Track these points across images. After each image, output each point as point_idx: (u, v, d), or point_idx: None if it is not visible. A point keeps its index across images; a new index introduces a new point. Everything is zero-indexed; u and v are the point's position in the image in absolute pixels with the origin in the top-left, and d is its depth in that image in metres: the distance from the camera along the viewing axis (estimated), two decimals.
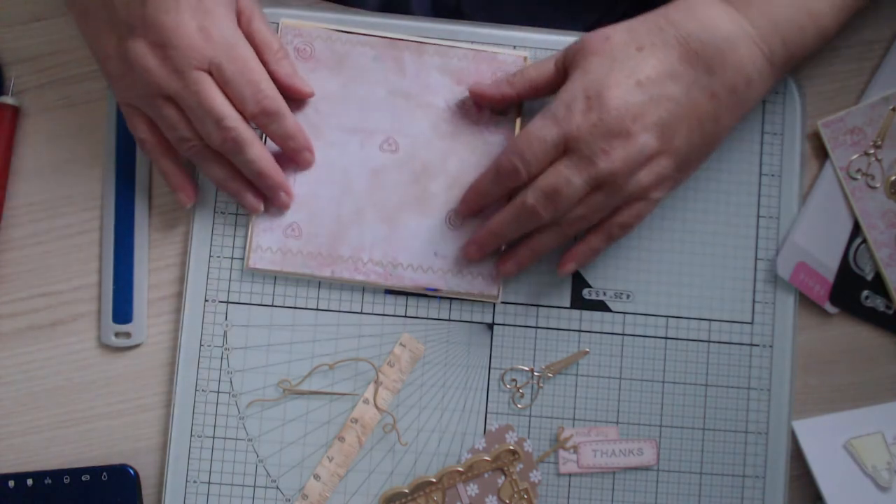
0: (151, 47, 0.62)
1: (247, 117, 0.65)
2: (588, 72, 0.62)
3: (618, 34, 0.63)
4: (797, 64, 0.66)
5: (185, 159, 0.68)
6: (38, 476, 0.68)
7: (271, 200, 0.69)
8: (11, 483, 0.68)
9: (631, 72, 0.62)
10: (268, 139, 0.69)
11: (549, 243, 0.66)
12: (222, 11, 0.64)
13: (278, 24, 0.70)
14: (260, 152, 0.66)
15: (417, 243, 0.70)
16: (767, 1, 0.63)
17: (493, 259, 0.70)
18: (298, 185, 0.70)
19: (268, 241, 0.69)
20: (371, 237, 0.70)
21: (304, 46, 0.70)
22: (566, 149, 0.62)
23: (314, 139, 0.70)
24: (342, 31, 0.71)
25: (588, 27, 0.76)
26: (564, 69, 0.65)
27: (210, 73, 0.64)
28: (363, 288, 0.70)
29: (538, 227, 0.66)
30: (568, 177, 0.62)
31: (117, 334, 0.70)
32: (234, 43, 0.64)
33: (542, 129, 0.62)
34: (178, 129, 0.65)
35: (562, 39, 0.72)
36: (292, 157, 0.69)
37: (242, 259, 0.70)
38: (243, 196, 0.68)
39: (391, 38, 0.71)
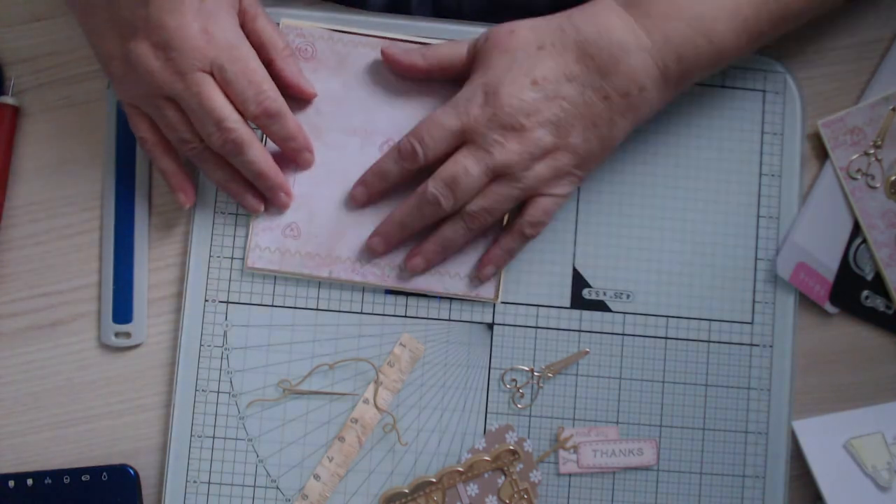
0: (154, 48, 0.63)
1: (248, 118, 0.65)
2: (489, 67, 0.65)
3: (522, 31, 0.65)
4: (696, 80, 0.67)
5: (186, 160, 0.68)
6: (38, 476, 0.68)
7: (271, 201, 0.69)
8: (11, 483, 0.68)
9: (529, 70, 0.64)
10: (267, 140, 0.69)
11: (454, 237, 0.67)
12: (224, 13, 0.64)
13: (279, 24, 0.70)
14: (260, 153, 0.66)
15: (415, 244, 0.70)
16: (665, 17, 0.64)
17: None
18: (298, 185, 0.70)
19: (267, 240, 0.69)
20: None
21: (306, 46, 0.70)
22: (465, 140, 0.65)
23: (314, 139, 0.70)
24: (344, 32, 0.71)
25: None
26: (473, 57, 0.67)
27: (212, 75, 0.64)
28: (363, 288, 0.70)
29: (443, 220, 0.67)
30: (466, 165, 0.64)
31: (117, 334, 0.70)
32: (236, 44, 0.64)
33: (442, 117, 0.65)
34: (179, 131, 0.65)
35: None
36: (293, 157, 0.69)
37: (242, 259, 0.70)
38: (243, 197, 0.68)
39: (392, 39, 0.71)
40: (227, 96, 0.64)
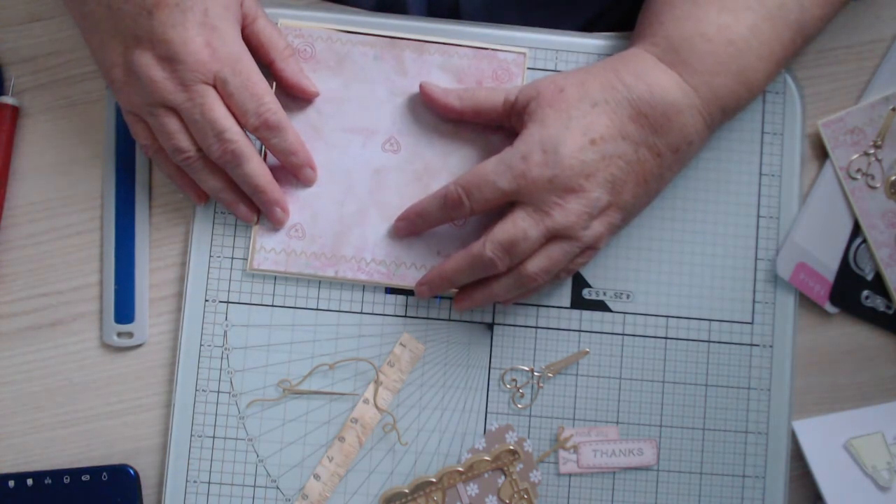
0: (158, 60, 0.63)
1: (248, 130, 0.66)
2: (545, 125, 0.64)
3: (571, 88, 0.64)
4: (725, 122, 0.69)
5: None
6: (38, 476, 0.68)
7: (267, 216, 0.69)
8: (11, 483, 0.68)
9: (586, 129, 0.63)
10: (268, 154, 0.69)
11: (506, 294, 0.67)
12: (227, 26, 0.64)
13: (276, 24, 0.70)
14: (258, 167, 0.66)
15: (420, 242, 0.70)
16: (712, 73, 0.64)
17: None
18: (301, 186, 0.70)
19: (271, 242, 0.69)
20: (374, 237, 0.70)
21: (305, 47, 0.70)
22: (519, 199, 0.64)
23: (316, 140, 0.70)
24: (343, 31, 0.71)
25: (583, 26, 0.76)
26: (514, 109, 0.67)
27: (214, 87, 0.64)
28: (363, 288, 0.70)
29: (496, 274, 0.66)
30: (525, 229, 0.63)
31: (119, 334, 0.70)
32: (239, 57, 0.65)
33: (496, 175, 0.64)
34: (176, 140, 0.65)
35: (560, 40, 0.72)
36: (294, 173, 0.69)
37: (243, 259, 0.70)
38: (236, 207, 0.68)
39: (392, 38, 0.71)
40: (229, 108, 0.65)
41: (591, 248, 0.66)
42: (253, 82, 0.65)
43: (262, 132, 0.66)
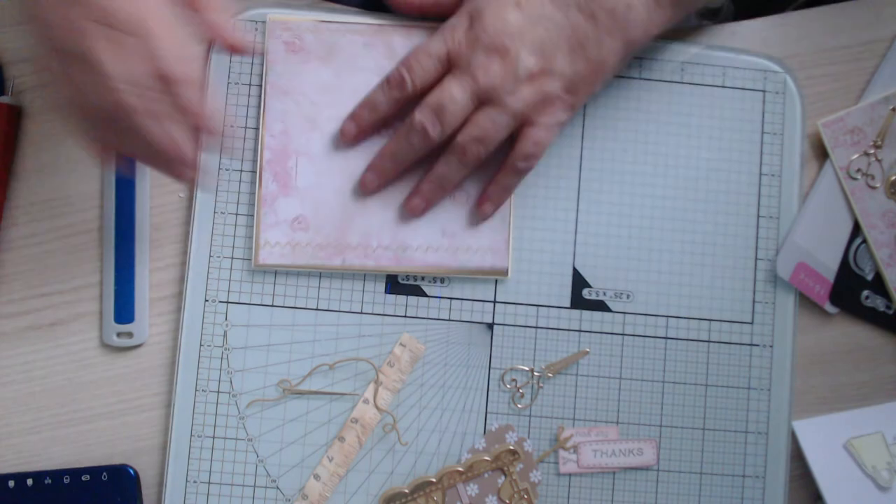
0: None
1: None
2: None
3: None
4: (690, 8, 0.67)
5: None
6: (38, 476, 0.68)
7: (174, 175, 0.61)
8: (11, 483, 0.68)
9: None
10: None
11: (448, 173, 0.67)
12: None
13: (265, 21, 0.70)
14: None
15: (423, 224, 0.70)
16: None
17: (502, 234, 0.70)
18: (301, 177, 0.70)
19: (275, 236, 0.69)
20: (378, 222, 0.70)
21: (294, 39, 0.70)
22: (451, 66, 0.65)
23: (312, 130, 0.70)
24: (330, 22, 0.71)
25: None
26: None
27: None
28: (363, 288, 0.70)
29: (437, 157, 0.67)
30: (451, 91, 0.64)
31: (119, 334, 0.70)
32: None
33: (428, 43, 0.66)
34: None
35: None
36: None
37: (242, 259, 0.70)
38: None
39: (379, 24, 0.71)
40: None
41: (531, 125, 0.65)
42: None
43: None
